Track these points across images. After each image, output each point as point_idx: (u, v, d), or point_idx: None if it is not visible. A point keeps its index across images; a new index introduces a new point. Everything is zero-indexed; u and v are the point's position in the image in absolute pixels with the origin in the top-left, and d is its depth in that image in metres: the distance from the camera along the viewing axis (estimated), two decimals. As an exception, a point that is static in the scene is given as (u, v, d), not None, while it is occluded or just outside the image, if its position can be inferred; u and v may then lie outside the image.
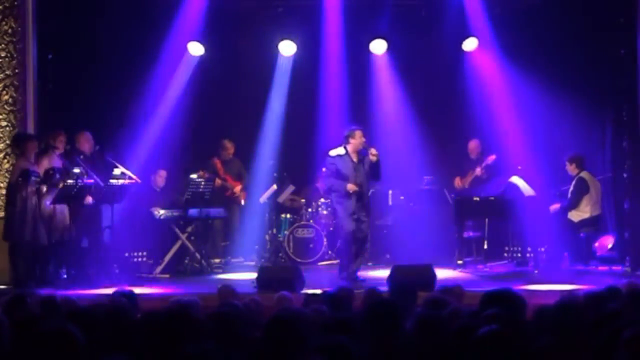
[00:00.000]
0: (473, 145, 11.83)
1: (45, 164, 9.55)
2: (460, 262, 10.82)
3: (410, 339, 4.26)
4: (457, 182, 11.87)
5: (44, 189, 9.45)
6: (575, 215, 10.43)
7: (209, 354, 3.58)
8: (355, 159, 9.55)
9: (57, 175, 9.46)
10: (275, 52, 12.27)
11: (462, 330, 3.90)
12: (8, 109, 9.98)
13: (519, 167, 11.01)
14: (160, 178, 11.36)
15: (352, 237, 9.52)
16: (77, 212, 9.66)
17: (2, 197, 10.01)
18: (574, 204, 10.42)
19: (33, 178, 9.37)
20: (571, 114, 11.65)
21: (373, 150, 9.43)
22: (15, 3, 10.05)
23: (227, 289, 6.85)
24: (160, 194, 11.32)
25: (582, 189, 10.41)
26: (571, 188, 10.51)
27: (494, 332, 3.55)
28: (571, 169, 10.58)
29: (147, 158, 11.36)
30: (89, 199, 9.68)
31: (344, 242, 9.73)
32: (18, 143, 9.63)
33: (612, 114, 11.45)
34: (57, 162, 9.64)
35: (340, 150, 9.61)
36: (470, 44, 11.90)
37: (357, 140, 9.52)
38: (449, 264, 10.78)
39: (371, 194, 10.67)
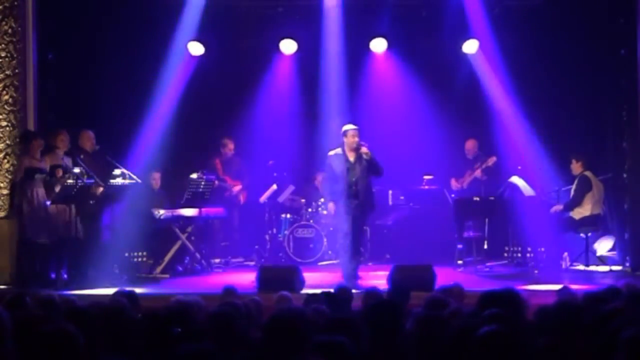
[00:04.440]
0: (470, 144, 11.80)
1: (47, 162, 9.57)
2: (460, 262, 10.82)
3: (410, 339, 4.26)
4: (454, 183, 11.82)
5: (58, 186, 9.47)
6: (576, 213, 10.44)
7: (209, 354, 3.58)
8: (351, 158, 9.52)
9: (61, 172, 9.47)
10: (275, 52, 12.27)
11: (462, 330, 3.90)
12: (8, 109, 9.98)
13: (519, 167, 11.01)
14: (155, 181, 11.34)
15: (349, 236, 9.50)
16: (77, 212, 9.66)
17: (2, 198, 10.01)
18: (576, 202, 10.43)
19: (38, 175, 9.40)
20: (571, 114, 11.66)
21: (363, 149, 9.43)
22: (15, 3, 10.04)
23: (231, 290, 6.83)
24: (157, 195, 11.30)
25: (585, 186, 10.42)
26: (574, 186, 10.51)
27: (494, 332, 3.55)
28: (576, 167, 10.58)
29: (147, 158, 11.36)
30: (90, 200, 9.71)
31: (342, 242, 9.72)
32: (24, 141, 9.65)
33: (612, 114, 11.45)
34: (60, 161, 9.65)
35: (337, 150, 9.61)
36: (470, 45, 11.89)
37: (349, 139, 9.51)
38: (449, 264, 10.78)
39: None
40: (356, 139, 9.47)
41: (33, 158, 9.51)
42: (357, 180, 9.46)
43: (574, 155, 10.67)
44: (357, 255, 9.72)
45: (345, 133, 9.54)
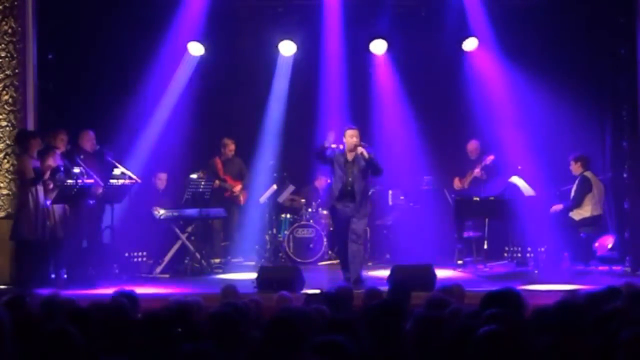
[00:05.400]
0: (473, 145, 11.83)
1: (49, 162, 9.58)
2: (460, 262, 10.83)
3: (410, 339, 4.26)
4: (457, 183, 11.87)
5: (50, 185, 9.47)
6: (576, 214, 10.44)
7: (209, 354, 3.58)
8: (350, 158, 9.41)
9: (62, 174, 9.48)
10: (275, 52, 12.27)
11: (462, 330, 3.89)
12: (8, 109, 9.98)
13: (519, 167, 11.02)
14: (160, 181, 11.35)
15: (341, 239, 9.41)
16: (77, 212, 9.67)
17: (2, 197, 10.01)
18: (577, 203, 10.43)
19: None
20: (571, 113, 11.65)
21: (359, 149, 9.28)
22: (15, 3, 10.04)
23: (231, 288, 6.84)
24: (162, 195, 11.31)
25: (586, 187, 10.42)
26: (574, 187, 10.51)
27: (494, 332, 3.55)
28: (576, 168, 10.58)
29: (147, 158, 11.37)
30: (90, 200, 9.72)
31: (334, 244, 9.70)
32: (21, 140, 9.64)
33: (612, 114, 11.45)
34: (58, 162, 9.66)
35: (339, 146, 9.52)
36: (470, 44, 11.90)
37: (347, 139, 9.38)
38: (449, 264, 10.78)
39: (371, 194, 10.65)
40: (354, 139, 9.35)
41: (32, 158, 9.52)
42: (354, 181, 9.38)
43: (572, 156, 10.67)
44: (360, 259, 9.55)
45: (344, 133, 9.46)
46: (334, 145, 9.50)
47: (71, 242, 9.65)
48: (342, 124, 10.00)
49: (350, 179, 9.38)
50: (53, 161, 9.60)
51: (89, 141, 10.17)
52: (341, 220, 9.41)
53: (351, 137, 9.39)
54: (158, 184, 11.34)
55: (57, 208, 9.56)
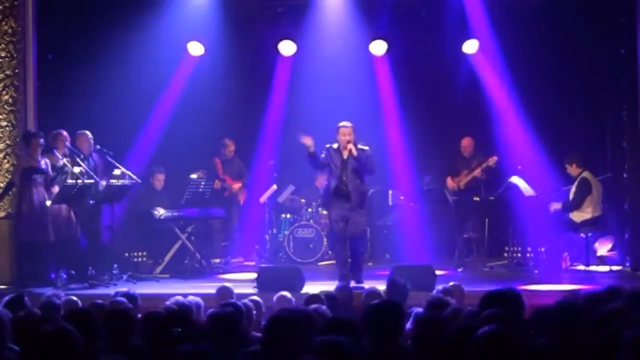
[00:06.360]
0: (466, 142, 11.51)
1: (47, 163, 9.60)
2: (460, 262, 10.82)
3: (411, 339, 4.26)
4: (450, 182, 11.45)
5: (55, 187, 9.50)
6: (577, 216, 10.43)
7: (208, 354, 3.58)
8: (344, 156, 9.24)
9: (58, 175, 9.50)
10: (275, 52, 12.26)
11: (462, 330, 3.90)
12: (8, 109, 9.97)
13: (519, 167, 11.01)
14: (158, 182, 11.32)
15: (338, 238, 9.30)
16: (77, 212, 9.67)
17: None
18: (576, 205, 10.41)
19: (36, 176, 9.41)
20: (571, 114, 11.66)
21: (350, 146, 9.11)
22: (15, 3, 10.03)
23: (225, 290, 6.84)
24: (160, 195, 11.29)
25: (585, 189, 10.39)
26: (574, 188, 10.49)
27: (493, 332, 3.55)
28: (572, 169, 10.56)
29: (147, 158, 11.37)
30: (90, 200, 9.74)
31: (332, 244, 9.64)
32: (23, 141, 9.66)
33: (612, 114, 11.45)
34: (58, 162, 9.67)
35: (335, 144, 9.37)
36: (470, 46, 11.87)
37: (339, 137, 9.25)
38: (449, 264, 10.78)
39: (371, 194, 10.62)
40: (346, 137, 9.18)
41: (32, 158, 9.52)
42: (348, 180, 9.22)
43: (566, 159, 10.63)
44: (360, 261, 9.46)
45: (337, 130, 9.31)
46: (328, 145, 9.44)
47: (71, 242, 9.65)
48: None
49: (344, 178, 9.22)
50: (51, 162, 9.60)
51: (85, 142, 10.15)
52: (338, 220, 9.29)
53: (343, 135, 9.22)
54: (156, 184, 11.32)
55: (57, 208, 9.56)
